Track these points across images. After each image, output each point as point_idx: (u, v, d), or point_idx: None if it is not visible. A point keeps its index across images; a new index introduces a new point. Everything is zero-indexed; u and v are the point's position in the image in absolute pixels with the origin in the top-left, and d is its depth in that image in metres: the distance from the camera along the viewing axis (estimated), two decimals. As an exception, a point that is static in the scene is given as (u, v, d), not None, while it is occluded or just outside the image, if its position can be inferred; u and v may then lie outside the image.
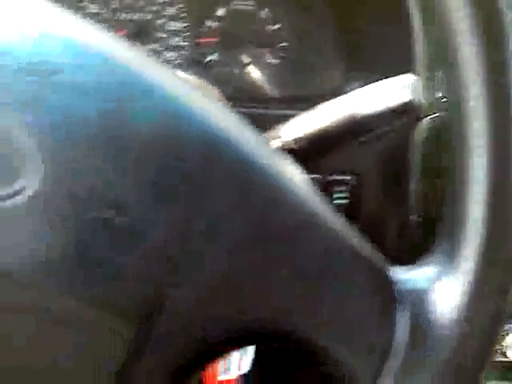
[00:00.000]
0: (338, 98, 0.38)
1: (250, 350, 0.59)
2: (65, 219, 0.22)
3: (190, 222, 0.23)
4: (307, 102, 0.64)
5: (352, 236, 0.26)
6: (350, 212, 0.52)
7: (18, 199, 0.22)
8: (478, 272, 0.24)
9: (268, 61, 0.67)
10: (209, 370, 0.58)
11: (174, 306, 0.23)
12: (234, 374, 0.58)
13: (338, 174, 0.54)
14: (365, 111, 0.35)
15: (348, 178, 0.55)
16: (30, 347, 0.23)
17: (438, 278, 0.25)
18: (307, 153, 0.38)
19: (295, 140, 0.37)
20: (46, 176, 0.22)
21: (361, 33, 0.63)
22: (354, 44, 0.64)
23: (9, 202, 0.22)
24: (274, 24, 0.66)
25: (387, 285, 0.26)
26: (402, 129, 0.53)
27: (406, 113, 0.36)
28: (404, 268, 0.27)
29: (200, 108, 0.24)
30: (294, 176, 0.26)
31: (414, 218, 0.54)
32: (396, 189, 0.56)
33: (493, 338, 0.25)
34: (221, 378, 0.59)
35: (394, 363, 0.25)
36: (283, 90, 0.67)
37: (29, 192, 0.22)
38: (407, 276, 0.26)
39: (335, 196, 0.55)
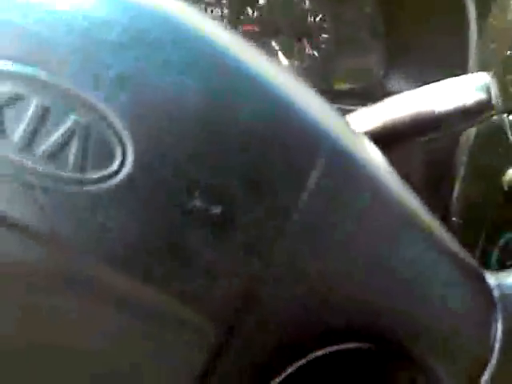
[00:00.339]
0: (409, 93, 0.36)
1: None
2: (156, 207, 0.21)
3: (287, 216, 0.22)
4: (346, 96, 0.63)
5: (447, 236, 0.25)
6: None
7: (111, 183, 0.20)
8: None
9: (308, 52, 0.66)
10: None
11: (263, 304, 0.22)
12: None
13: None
14: (442, 108, 0.34)
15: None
16: (109, 338, 0.22)
17: None
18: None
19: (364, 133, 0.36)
20: (139, 159, 0.20)
21: (405, 29, 0.62)
22: (396, 40, 0.63)
23: (101, 186, 0.20)
24: (316, 15, 0.65)
25: (487, 289, 0.24)
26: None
27: (481, 112, 0.35)
28: (496, 273, 0.26)
29: (302, 98, 0.23)
30: (391, 172, 0.25)
31: (456, 220, 0.53)
32: (438, 191, 0.55)
33: None
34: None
35: (488, 375, 0.24)
36: (322, 82, 0.65)
37: (123, 175, 0.20)
38: (504, 281, 0.25)
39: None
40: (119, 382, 0.23)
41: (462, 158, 0.51)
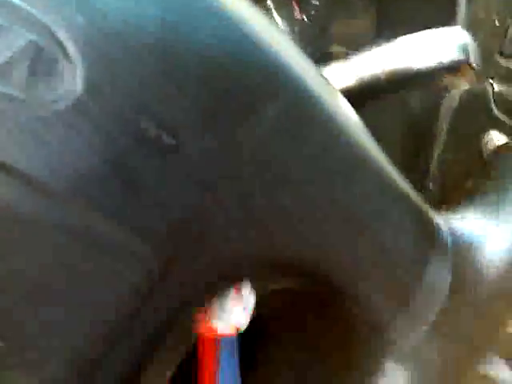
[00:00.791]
0: (385, 47, 0.36)
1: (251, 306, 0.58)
2: (106, 132, 0.20)
3: (239, 150, 0.22)
4: (336, 59, 0.62)
5: (399, 178, 0.25)
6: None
7: (59, 105, 0.20)
8: None
9: (297, 17, 0.65)
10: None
11: (207, 234, 0.22)
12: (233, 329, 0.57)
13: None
14: (418, 64, 0.34)
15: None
16: (51, 263, 0.22)
17: (487, 224, 0.25)
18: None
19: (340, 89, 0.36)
20: (89, 83, 0.20)
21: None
22: (388, 6, 0.63)
23: (49, 108, 0.20)
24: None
25: (431, 228, 0.25)
26: (431, 98, 0.52)
27: (457, 71, 0.34)
28: (447, 214, 0.27)
29: (267, 36, 0.23)
30: (350, 116, 0.25)
31: (433, 187, 0.53)
32: (417, 157, 0.55)
33: None
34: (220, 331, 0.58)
35: (430, 310, 0.24)
36: (311, 47, 0.65)
37: (71, 99, 0.20)
38: (452, 221, 0.26)
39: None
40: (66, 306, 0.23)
41: (443, 124, 0.51)
